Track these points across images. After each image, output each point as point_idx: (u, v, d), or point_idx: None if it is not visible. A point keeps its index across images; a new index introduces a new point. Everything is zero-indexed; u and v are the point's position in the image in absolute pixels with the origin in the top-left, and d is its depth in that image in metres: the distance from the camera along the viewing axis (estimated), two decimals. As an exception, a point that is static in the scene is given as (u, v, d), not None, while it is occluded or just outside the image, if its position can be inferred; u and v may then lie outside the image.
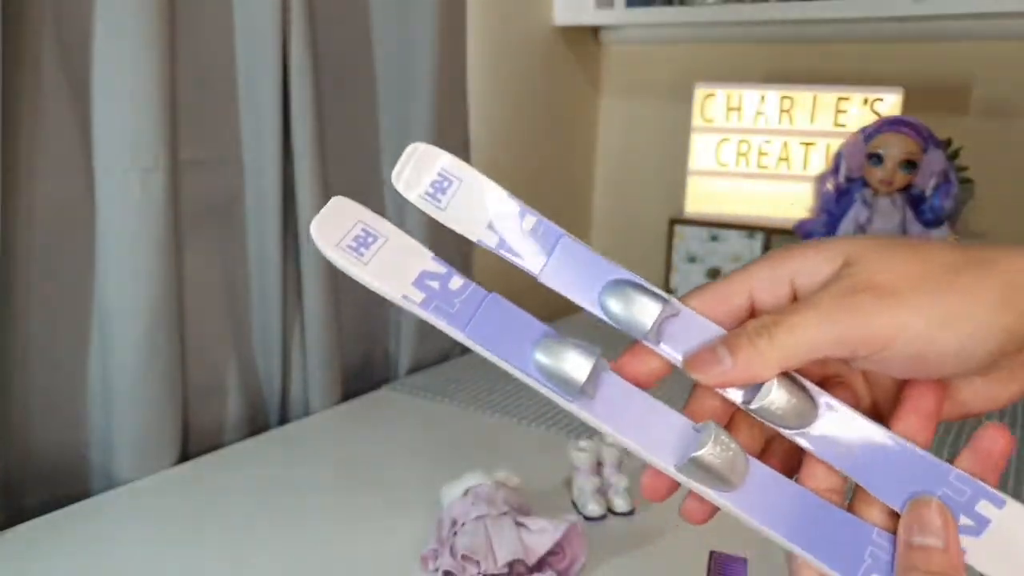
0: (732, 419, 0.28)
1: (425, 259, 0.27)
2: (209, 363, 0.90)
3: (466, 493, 0.67)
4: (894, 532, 0.25)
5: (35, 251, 0.75)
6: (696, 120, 1.31)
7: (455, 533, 0.64)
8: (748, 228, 1.29)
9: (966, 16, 1.21)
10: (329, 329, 1.00)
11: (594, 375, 0.25)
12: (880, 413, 0.28)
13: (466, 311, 0.26)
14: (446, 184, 0.27)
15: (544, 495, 0.77)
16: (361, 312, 1.10)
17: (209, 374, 0.90)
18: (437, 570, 0.63)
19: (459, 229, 0.27)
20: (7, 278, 0.73)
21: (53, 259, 0.76)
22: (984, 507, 0.25)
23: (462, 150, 1.16)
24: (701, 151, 1.32)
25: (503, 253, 0.27)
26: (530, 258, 0.27)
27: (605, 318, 0.27)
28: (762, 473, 0.26)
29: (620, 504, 0.74)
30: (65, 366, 0.79)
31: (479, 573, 0.61)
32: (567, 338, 0.26)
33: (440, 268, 0.27)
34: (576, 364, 0.25)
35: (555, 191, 1.59)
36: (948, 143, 1.13)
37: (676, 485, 0.27)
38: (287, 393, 1.00)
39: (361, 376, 1.11)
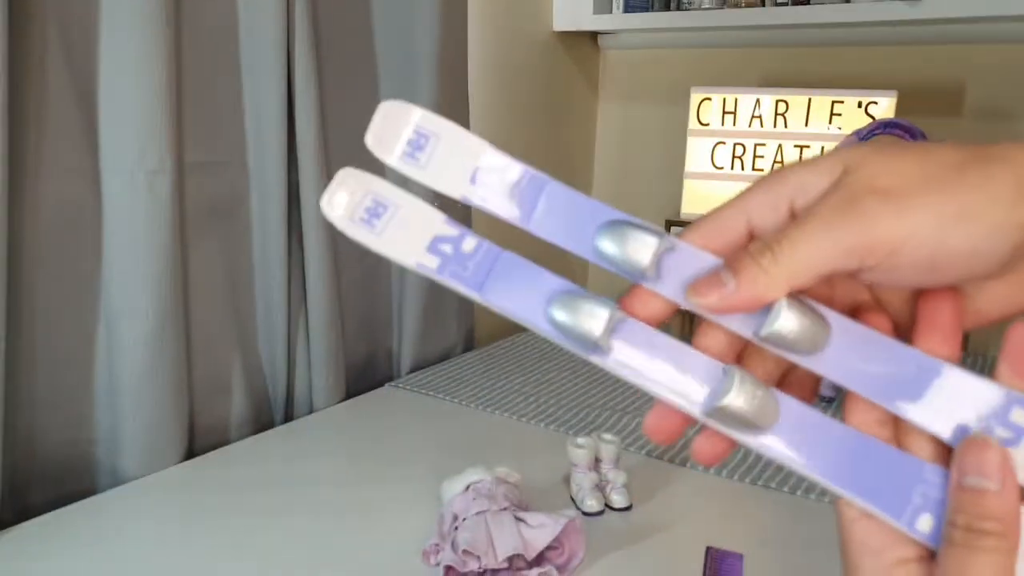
0: (742, 354, 0.26)
1: (437, 223, 0.26)
2: (214, 362, 0.91)
3: (467, 489, 0.68)
4: (946, 465, 0.24)
5: (42, 252, 0.75)
6: (692, 124, 1.32)
7: (456, 528, 0.64)
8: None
9: (960, 20, 1.22)
10: (333, 328, 1.01)
11: (610, 326, 0.24)
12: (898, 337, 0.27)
13: (480, 272, 0.26)
14: (423, 141, 0.26)
15: (543, 491, 0.78)
16: (364, 311, 1.11)
17: (214, 373, 0.91)
18: (439, 564, 0.64)
19: (441, 187, 0.26)
20: (14, 278, 0.74)
21: (60, 260, 0.77)
22: (1019, 415, 0.23)
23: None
24: (697, 154, 1.33)
25: (489, 208, 0.26)
26: (517, 210, 0.26)
27: (601, 262, 0.25)
28: (798, 412, 0.25)
29: (618, 500, 0.75)
30: (72, 365, 0.79)
31: (480, 567, 0.62)
32: (582, 291, 0.25)
33: (452, 231, 0.26)
34: (591, 317, 0.24)
35: (554, 193, 1.60)
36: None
37: (682, 428, 0.26)
38: (291, 391, 1.01)
39: (364, 374, 1.12)
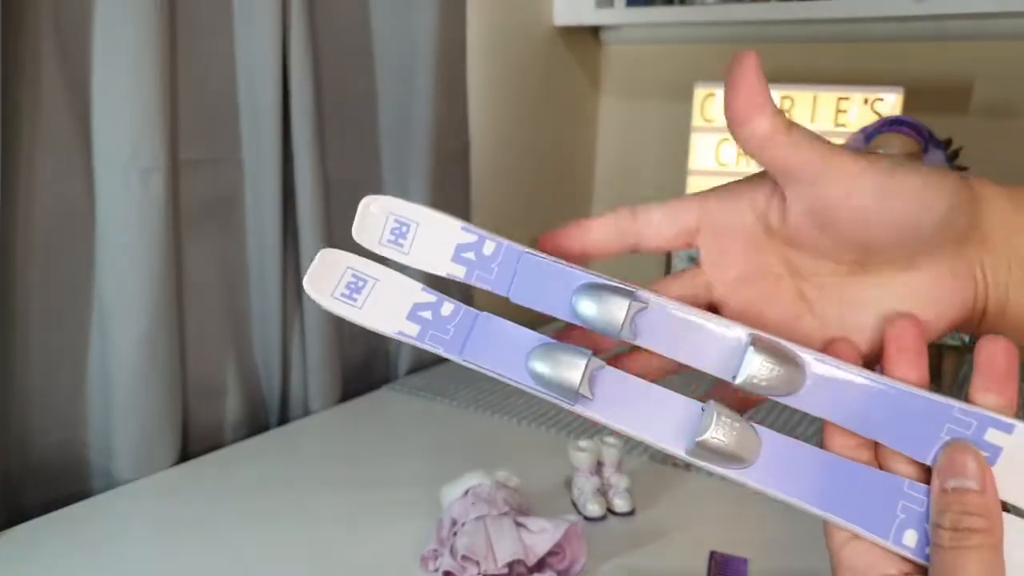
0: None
1: (416, 291, 0.28)
2: (209, 363, 0.90)
3: (466, 493, 0.67)
4: (925, 482, 0.25)
5: (35, 250, 0.75)
6: (696, 120, 1.31)
7: (455, 533, 0.64)
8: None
9: (966, 16, 1.21)
10: (329, 329, 1.00)
11: (589, 375, 0.26)
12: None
13: (460, 334, 0.27)
14: (404, 228, 0.28)
15: (544, 495, 0.77)
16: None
17: (209, 374, 0.90)
18: (437, 570, 0.63)
19: (426, 268, 0.28)
20: (7, 277, 0.73)
21: (53, 258, 0.76)
22: (993, 435, 0.24)
23: (462, 150, 1.16)
24: (701, 151, 1.32)
25: (472, 282, 0.28)
26: (497, 281, 0.28)
27: (582, 324, 0.27)
28: (778, 442, 0.26)
29: (620, 504, 0.74)
30: (65, 366, 0.79)
31: (479, 573, 0.61)
32: (559, 343, 0.27)
33: (430, 297, 0.28)
34: (569, 368, 0.26)
35: (555, 191, 1.59)
36: (948, 143, 1.13)
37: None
38: (287, 393, 1.00)
39: (361, 376, 1.11)
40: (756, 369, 0.25)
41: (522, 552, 0.61)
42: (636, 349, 0.28)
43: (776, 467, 0.26)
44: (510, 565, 0.61)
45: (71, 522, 0.72)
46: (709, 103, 1.31)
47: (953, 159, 1.14)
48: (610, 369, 0.27)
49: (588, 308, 0.26)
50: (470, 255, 0.28)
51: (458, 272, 0.28)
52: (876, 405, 0.25)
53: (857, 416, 0.25)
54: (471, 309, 0.28)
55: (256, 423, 0.97)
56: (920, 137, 1.10)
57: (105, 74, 0.75)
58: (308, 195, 0.94)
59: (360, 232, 0.28)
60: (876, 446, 0.26)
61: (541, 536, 0.62)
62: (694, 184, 1.33)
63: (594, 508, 0.73)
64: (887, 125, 1.12)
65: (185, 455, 0.87)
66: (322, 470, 0.84)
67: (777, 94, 1.26)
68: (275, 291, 0.95)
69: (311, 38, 0.92)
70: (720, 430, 0.25)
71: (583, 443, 0.76)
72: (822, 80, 1.29)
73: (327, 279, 0.28)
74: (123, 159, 0.76)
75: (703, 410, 0.26)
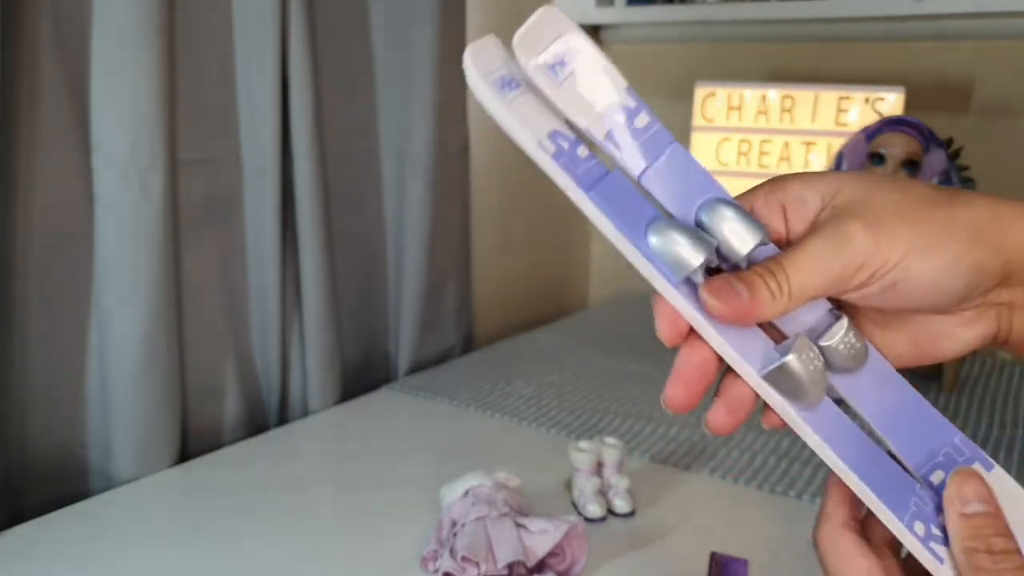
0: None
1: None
2: (208, 363, 0.90)
3: (466, 494, 0.67)
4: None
5: (33, 251, 0.74)
6: (697, 119, 1.31)
7: (455, 534, 0.63)
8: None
9: (968, 15, 1.21)
10: (328, 329, 0.99)
11: (703, 265, 0.25)
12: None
13: (590, 178, 0.26)
14: (568, 59, 0.26)
15: (544, 496, 0.76)
16: (361, 312, 1.10)
17: (208, 374, 0.90)
18: (437, 571, 0.63)
19: (569, 112, 0.26)
20: (5, 279, 0.73)
21: (51, 259, 0.76)
22: (976, 468, 0.27)
23: (462, 151, 1.16)
24: (702, 150, 1.31)
25: (608, 146, 0.26)
26: (634, 157, 0.26)
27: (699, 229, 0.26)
28: (831, 405, 0.27)
29: (620, 505, 0.74)
30: (64, 366, 0.78)
31: (479, 574, 0.61)
32: (686, 225, 0.26)
33: (570, 133, 0.26)
34: (692, 249, 0.25)
35: (555, 191, 1.58)
36: (950, 143, 1.12)
37: (698, 399, 0.28)
38: (286, 393, 1.00)
39: (360, 376, 1.11)
40: (843, 337, 0.26)
41: (522, 553, 0.61)
42: None
43: (826, 421, 0.26)
44: (510, 566, 0.61)
45: (70, 522, 0.72)
46: (709, 102, 1.31)
47: (954, 158, 1.14)
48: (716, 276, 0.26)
49: (715, 225, 0.26)
50: (621, 119, 0.26)
51: (600, 130, 0.26)
52: (904, 410, 0.27)
53: (886, 413, 0.27)
54: (603, 164, 0.26)
55: (255, 423, 0.97)
56: (921, 137, 1.10)
57: (104, 73, 0.75)
58: (307, 195, 0.94)
59: (523, 40, 0.25)
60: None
61: (541, 537, 0.62)
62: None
63: (594, 509, 0.73)
64: (888, 125, 1.12)
65: (184, 455, 0.87)
66: (321, 470, 0.84)
67: (778, 93, 1.26)
68: (274, 291, 0.95)
69: (310, 38, 0.91)
70: (804, 359, 0.25)
71: (583, 444, 0.76)
72: (823, 79, 1.29)
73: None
74: (122, 159, 0.76)
75: (780, 352, 0.26)
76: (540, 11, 0.26)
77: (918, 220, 0.26)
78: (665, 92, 1.53)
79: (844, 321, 0.27)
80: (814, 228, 0.27)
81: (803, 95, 1.25)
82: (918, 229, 0.26)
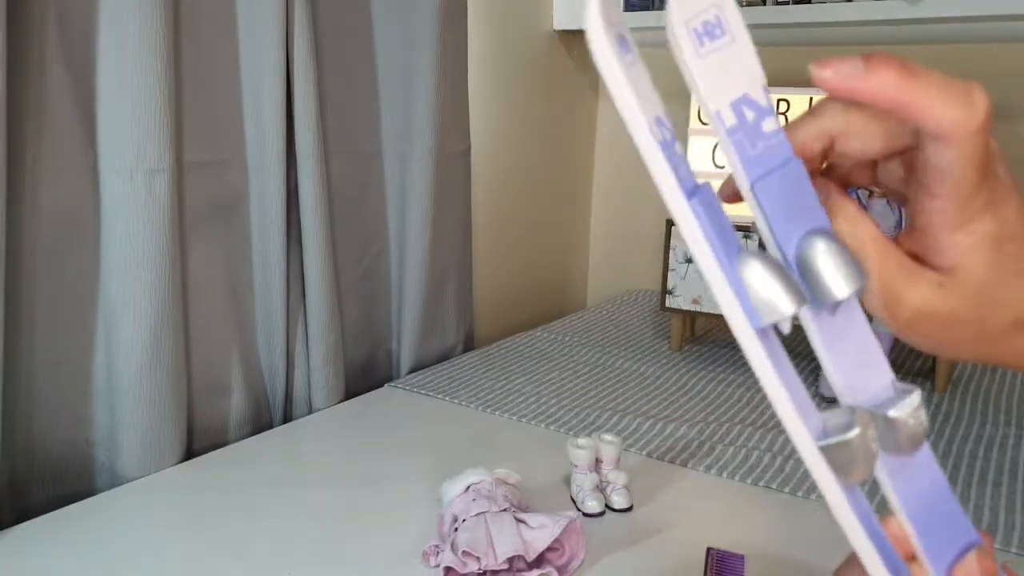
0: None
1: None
2: (213, 362, 0.91)
3: (467, 489, 0.67)
4: None
5: (41, 251, 0.75)
6: (693, 123, 1.32)
7: (456, 529, 0.64)
8: (744, 229, 1.30)
9: (963, 19, 1.21)
10: (332, 328, 1.00)
11: (793, 316, 0.23)
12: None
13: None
14: (719, 32, 0.23)
15: (543, 492, 0.77)
16: (364, 311, 1.11)
17: (213, 373, 0.91)
18: (439, 566, 0.64)
19: (703, 89, 0.23)
20: (14, 278, 0.74)
21: (59, 259, 0.77)
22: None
23: (463, 153, 1.17)
24: (698, 154, 1.32)
25: (733, 139, 0.23)
26: (752, 162, 0.23)
27: (792, 264, 0.24)
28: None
29: (618, 501, 0.75)
30: (71, 365, 0.79)
31: (480, 569, 0.61)
32: (779, 264, 0.23)
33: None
34: (787, 295, 0.22)
35: (555, 193, 1.60)
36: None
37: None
38: (291, 391, 1.00)
39: (364, 375, 1.12)
40: (912, 412, 0.24)
41: (522, 547, 0.61)
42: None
43: (856, 501, 0.25)
44: (510, 560, 0.62)
45: (77, 520, 0.73)
46: (707, 105, 1.32)
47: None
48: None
49: (815, 262, 0.23)
50: (750, 114, 0.23)
51: (728, 119, 0.23)
52: (936, 500, 0.26)
53: (917, 502, 0.25)
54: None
55: (260, 421, 0.98)
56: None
57: (110, 76, 0.76)
58: (311, 196, 0.95)
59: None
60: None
61: (541, 532, 0.63)
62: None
63: (593, 504, 0.74)
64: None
65: (190, 453, 0.88)
66: (325, 467, 0.85)
67: (773, 97, 1.27)
68: (279, 291, 0.96)
69: (314, 42, 0.92)
70: (858, 434, 0.23)
71: (582, 440, 0.77)
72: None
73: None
74: (128, 161, 0.77)
75: (849, 412, 0.24)
76: None
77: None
78: (662, 96, 1.54)
79: (917, 395, 0.24)
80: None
81: (799, 99, 1.26)
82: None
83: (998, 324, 0.26)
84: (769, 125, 0.23)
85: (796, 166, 0.24)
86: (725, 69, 0.23)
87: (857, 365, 0.25)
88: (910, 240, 0.26)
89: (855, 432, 0.23)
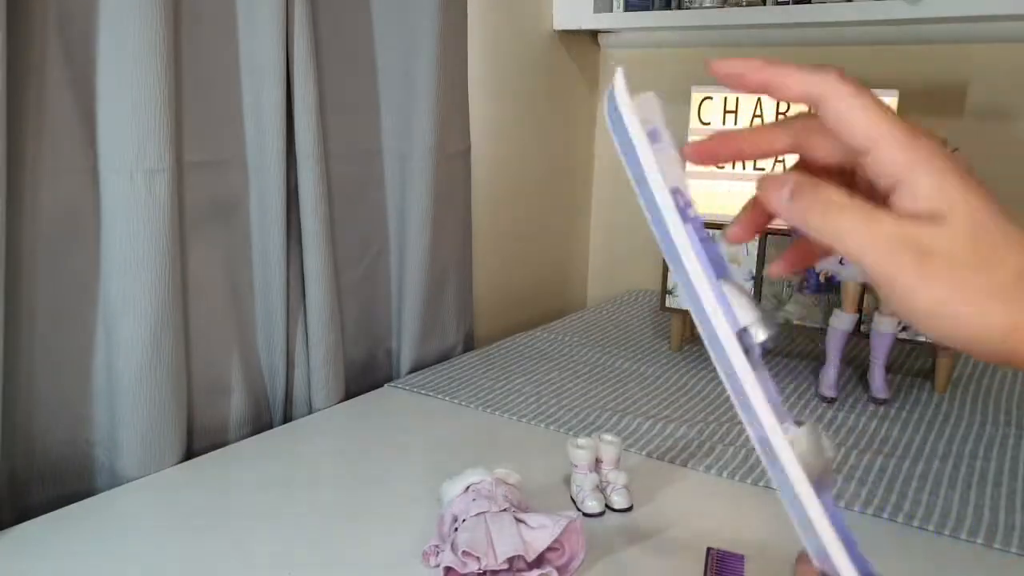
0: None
1: (683, 179, 0.30)
2: (213, 362, 0.91)
3: (467, 490, 0.67)
4: None
5: (41, 251, 0.75)
6: (693, 123, 1.32)
7: (456, 529, 0.64)
8: (717, 226, 1.30)
9: (961, 19, 1.22)
10: (332, 328, 1.00)
11: (758, 319, 0.28)
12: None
13: (698, 230, 0.29)
14: (656, 138, 0.30)
15: (543, 492, 0.77)
16: (364, 311, 1.11)
17: (213, 373, 0.91)
18: (438, 566, 0.64)
19: (661, 171, 0.29)
20: (13, 278, 0.74)
21: (59, 259, 0.77)
22: None
23: (463, 153, 1.17)
24: (699, 153, 1.32)
25: (679, 210, 0.29)
26: (683, 243, 0.29)
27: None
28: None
29: (618, 501, 0.75)
30: (71, 365, 0.79)
31: (480, 569, 0.61)
32: (741, 287, 0.29)
33: (688, 193, 0.30)
34: (752, 304, 0.28)
35: (555, 192, 1.60)
36: (944, 144, 1.14)
37: (754, 234, 0.32)
38: (291, 391, 1.01)
39: (364, 374, 1.12)
40: (806, 445, 0.27)
41: (522, 547, 0.62)
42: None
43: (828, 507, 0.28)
44: (510, 560, 0.62)
45: (77, 520, 0.73)
46: (706, 106, 1.32)
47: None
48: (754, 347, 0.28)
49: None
50: (682, 201, 0.30)
51: (677, 197, 0.29)
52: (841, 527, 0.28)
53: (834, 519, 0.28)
54: (700, 217, 0.29)
55: (260, 421, 0.98)
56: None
57: (110, 76, 0.76)
58: (311, 196, 0.95)
59: (636, 106, 0.29)
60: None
61: (540, 532, 0.63)
62: (691, 187, 1.34)
63: (592, 504, 0.74)
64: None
65: (190, 453, 0.88)
66: (325, 467, 0.85)
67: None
68: (279, 291, 0.96)
69: (314, 42, 0.92)
70: (805, 442, 0.27)
71: (582, 440, 0.77)
72: (818, 83, 1.30)
73: (640, 108, 0.29)
74: (128, 161, 0.77)
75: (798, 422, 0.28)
76: (644, 94, 0.30)
77: None
78: (661, 96, 1.54)
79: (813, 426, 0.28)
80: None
81: (799, 98, 1.26)
82: None
83: (1008, 275, 0.26)
84: (692, 212, 0.30)
85: (706, 234, 0.30)
86: (665, 164, 0.29)
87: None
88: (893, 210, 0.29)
89: (808, 428, 0.27)
